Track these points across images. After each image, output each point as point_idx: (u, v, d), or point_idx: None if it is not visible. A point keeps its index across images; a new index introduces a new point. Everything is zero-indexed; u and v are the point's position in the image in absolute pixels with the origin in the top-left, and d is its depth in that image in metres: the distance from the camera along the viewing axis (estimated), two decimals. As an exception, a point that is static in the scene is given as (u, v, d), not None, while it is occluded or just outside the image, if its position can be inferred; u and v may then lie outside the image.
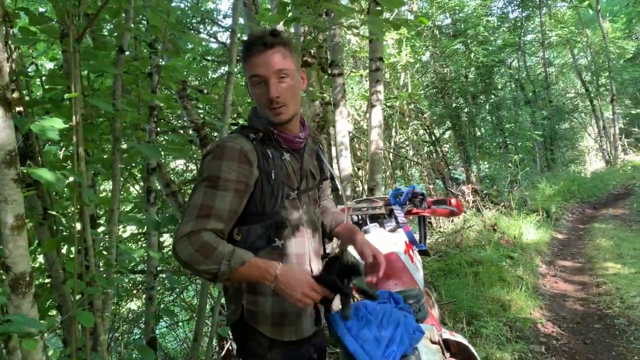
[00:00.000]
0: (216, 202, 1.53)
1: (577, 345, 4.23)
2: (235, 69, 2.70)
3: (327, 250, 1.86)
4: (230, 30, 2.82)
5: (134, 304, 5.88)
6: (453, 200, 2.60)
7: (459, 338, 1.87)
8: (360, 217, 2.75)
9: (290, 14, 3.70)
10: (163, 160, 5.16)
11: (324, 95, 4.74)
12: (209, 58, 6.74)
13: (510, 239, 7.40)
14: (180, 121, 5.73)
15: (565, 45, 18.35)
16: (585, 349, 4.16)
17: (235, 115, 4.67)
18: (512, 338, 4.21)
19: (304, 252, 1.72)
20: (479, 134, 11.77)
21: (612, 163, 17.88)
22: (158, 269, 2.85)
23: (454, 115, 10.88)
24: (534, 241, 7.63)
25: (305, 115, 4.39)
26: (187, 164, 6.92)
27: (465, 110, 11.34)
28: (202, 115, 5.18)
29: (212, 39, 6.51)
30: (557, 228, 9.03)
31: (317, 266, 1.78)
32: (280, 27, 4.04)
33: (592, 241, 8.04)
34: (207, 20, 6.44)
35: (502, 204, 8.96)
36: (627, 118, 22.23)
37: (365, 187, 6.66)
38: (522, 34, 14.94)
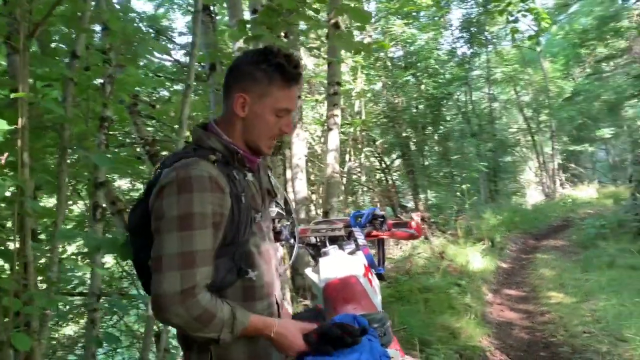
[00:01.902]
0: (197, 245, 1.32)
1: (525, 373, 4.28)
2: (194, 83, 2.62)
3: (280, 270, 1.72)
4: (191, 44, 2.73)
5: (70, 329, 5.51)
6: (414, 223, 2.57)
7: (423, 365, 1.81)
8: (318, 239, 2.67)
9: (249, 33, 3.67)
10: (108, 178, 4.94)
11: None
12: (160, 75, 6.58)
13: (457, 266, 7.50)
14: (128, 138, 5.52)
15: (509, 82, 19.21)
16: (533, 377, 4.20)
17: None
18: (462, 365, 4.22)
19: (271, 281, 1.58)
20: (427, 163, 12.01)
21: (551, 196, 18.66)
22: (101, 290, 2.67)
23: (403, 145, 11.09)
24: (480, 269, 7.77)
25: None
26: (133, 183, 6.66)
27: (415, 140, 11.59)
28: (153, 132, 5.02)
29: (166, 56, 6.39)
30: (502, 257, 9.26)
31: (280, 293, 1.66)
32: (240, 44, 3.98)
33: (535, 271, 8.28)
34: (161, 36, 6.31)
35: (449, 232, 9.12)
36: (565, 154, 23.34)
37: (320, 211, 6.61)
38: (470, 69, 15.54)
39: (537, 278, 7.77)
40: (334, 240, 2.68)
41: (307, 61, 6.78)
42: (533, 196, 20.70)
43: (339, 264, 2.43)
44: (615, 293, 6.07)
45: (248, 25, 3.59)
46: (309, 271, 2.53)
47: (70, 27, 2.08)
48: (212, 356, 1.45)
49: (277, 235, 1.98)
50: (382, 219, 2.53)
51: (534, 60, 20.23)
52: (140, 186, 6.39)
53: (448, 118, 11.87)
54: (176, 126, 5.84)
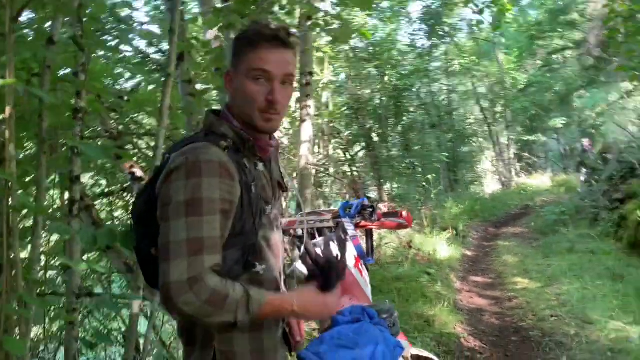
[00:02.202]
0: (205, 231, 1.26)
1: (500, 358, 4.36)
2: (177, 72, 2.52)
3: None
4: (170, 31, 2.62)
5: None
6: (404, 213, 2.56)
7: (429, 354, 1.80)
8: (306, 231, 2.63)
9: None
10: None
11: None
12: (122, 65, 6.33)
13: (425, 255, 7.60)
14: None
15: (466, 74, 19.57)
16: (507, 361, 4.30)
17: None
18: (440, 353, 4.26)
19: (280, 276, 1.52)
20: (390, 154, 12.12)
21: (508, 185, 19.21)
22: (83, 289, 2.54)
23: (367, 136, 11.14)
24: (446, 258, 7.90)
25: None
26: (96, 178, 6.41)
27: (378, 131, 11.67)
28: (127, 123, 4.83)
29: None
30: (466, 245, 9.45)
31: (282, 285, 1.58)
32: (214, 32, 3.87)
33: (499, 258, 8.49)
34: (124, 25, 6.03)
35: (415, 222, 9.22)
36: (519, 144, 24.04)
37: (293, 203, 6.56)
38: (429, 61, 15.74)
39: (501, 265, 7.97)
40: (321, 231, 2.65)
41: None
42: (490, 185, 21.24)
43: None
44: (577, 277, 6.28)
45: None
46: (298, 264, 2.48)
47: (59, 11, 1.94)
48: (215, 352, 1.38)
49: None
50: (371, 209, 2.51)
51: (490, 52, 20.69)
52: (104, 181, 6.16)
53: (411, 109, 12.00)
54: (138, 115, 5.64)
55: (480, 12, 5.97)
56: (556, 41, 17.38)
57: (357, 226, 2.61)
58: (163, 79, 2.60)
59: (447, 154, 13.24)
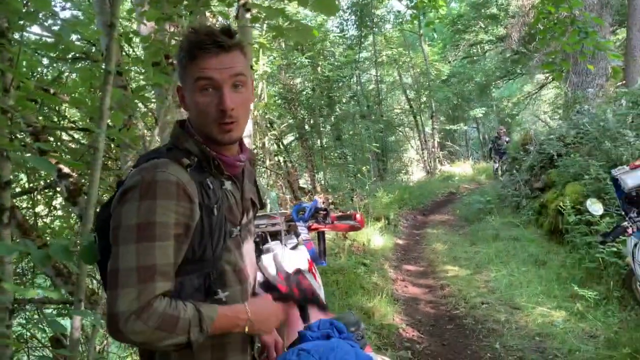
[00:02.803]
0: (157, 258, 1.18)
1: (438, 347, 4.51)
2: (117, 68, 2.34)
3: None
4: (110, 25, 2.44)
5: None
6: (358, 215, 2.57)
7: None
8: (257, 235, 2.57)
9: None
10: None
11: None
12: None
13: (360, 245, 7.72)
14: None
15: (392, 64, 19.98)
16: (445, 350, 4.45)
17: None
18: (381, 346, 4.34)
19: (247, 298, 1.43)
20: (323, 144, 12.18)
21: (432, 173, 19.87)
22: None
23: (300, 126, 11.12)
24: (380, 247, 8.07)
25: (170, 122, 4.03)
26: (15, 173, 5.96)
27: (311, 121, 11.67)
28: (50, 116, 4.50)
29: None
30: (397, 234, 9.69)
31: None
32: (150, 25, 3.67)
33: (428, 246, 8.77)
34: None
35: (349, 211, 9.33)
36: (442, 133, 24.94)
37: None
38: (359, 52, 15.91)
39: (432, 253, 8.24)
40: (273, 235, 2.60)
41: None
42: (416, 173, 21.89)
43: (283, 260, 2.36)
44: (503, 264, 6.61)
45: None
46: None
47: None
48: None
49: None
50: (325, 212, 2.50)
51: (415, 44, 21.24)
52: (23, 177, 5.73)
53: (344, 100, 12.09)
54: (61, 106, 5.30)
55: (415, 6, 6.06)
56: (481, 35, 18.06)
57: (309, 229, 2.59)
58: (91, 70, 2.41)
59: (378, 144, 13.50)
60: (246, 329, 1.32)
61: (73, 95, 3.99)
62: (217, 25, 1.42)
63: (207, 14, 4.73)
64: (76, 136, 5.39)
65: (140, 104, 4.14)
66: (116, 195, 1.28)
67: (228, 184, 1.39)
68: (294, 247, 2.51)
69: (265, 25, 4.12)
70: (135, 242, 1.18)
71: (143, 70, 3.35)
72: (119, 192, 1.26)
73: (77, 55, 6.11)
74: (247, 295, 1.45)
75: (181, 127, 1.39)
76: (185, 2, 3.49)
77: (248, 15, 4.61)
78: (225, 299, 1.35)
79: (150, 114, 4.70)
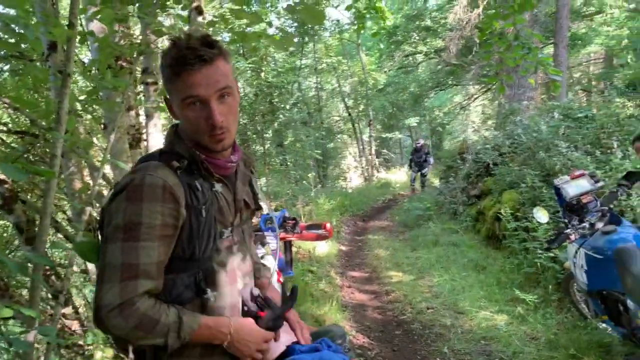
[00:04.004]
0: (141, 257, 1.25)
1: (388, 353, 4.57)
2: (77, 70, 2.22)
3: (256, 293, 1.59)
4: (68, 25, 2.33)
5: None
6: (328, 225, 2.56)
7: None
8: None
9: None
10: None
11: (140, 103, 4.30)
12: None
13: (306, 253, 7.72)
14: None
15: (332, 72, 20.21)
16: (396, 356, 4.52)
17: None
18: (334, 353, 4.34)
19: (238, 301, 1.48)
20: (266, 150, 12.11)
21: (370, 180, 20.24)
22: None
23: (242, 132, 11.00)
24: (325, 254, 8.11)
25: (120, 126, 3.88)
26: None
27: (252, 128, 11.58)
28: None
29: None
30: (340, 240, 9.78)
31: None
32: (98, 27, 3.53)
33: (371, 252, 8.91)
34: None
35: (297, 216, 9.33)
36: (378, 140, 25.50)
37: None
38: (301, 59, 15.98)
39: (375, 259, 8.37)
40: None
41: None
42: (354, 180, 22.21)
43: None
44: (445, 269, 6.82)
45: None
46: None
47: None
48: None
49: None
50: (293, 222, 2.48)
51: (353, 53, 21.60)
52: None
53: (287, 107, 12.08)
54: None
55: (361, 17, 6.16)
56: (420, 47, 18.62)
57: (277, 238, 2.56)
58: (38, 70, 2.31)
59: (319, 151, 13.57)
60: (225, 344, 1.36)
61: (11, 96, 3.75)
62: (186, 31, 1.44)
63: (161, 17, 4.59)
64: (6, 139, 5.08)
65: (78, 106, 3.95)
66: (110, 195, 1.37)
67: (218, 186, 1.43)
68: (261, 258, 2.48)
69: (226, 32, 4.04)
70: (122, 240, 1.25)
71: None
72: (112, 193, 1.34)
73: (11, 53, 5.76)
74: (235, 297, 1.48)
75: (174, 132, 1.44)
76: (138, 4, 3.39)
77: (200, 19, 4.53)
78: (214, 299, 1.40)
79: (93, 117, 4.51)
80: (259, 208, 1.68)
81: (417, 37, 17.99)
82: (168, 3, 3.48)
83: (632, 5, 15.44)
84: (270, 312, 1.46)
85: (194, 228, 1.34)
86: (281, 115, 11.32)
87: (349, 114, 21.59)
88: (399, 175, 21.48)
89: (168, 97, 1.40)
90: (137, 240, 1.25)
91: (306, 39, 16.53)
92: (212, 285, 1.40)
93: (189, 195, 1.33)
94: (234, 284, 1.47)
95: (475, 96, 19.72)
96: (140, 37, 4.13)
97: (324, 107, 20.46)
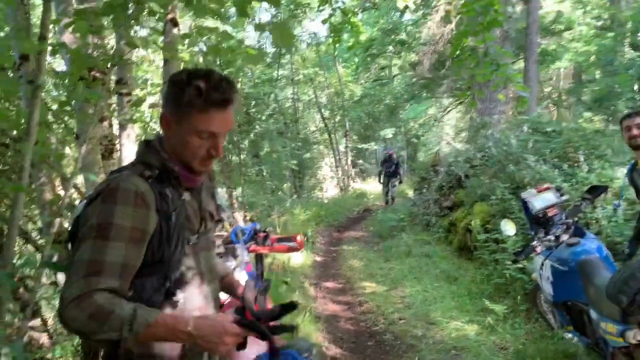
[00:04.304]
0: (107, 256, 1.31)
1: (360, 364, 4.61)
2: (50, 81, 2.21)
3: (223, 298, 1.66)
4: (39, 37, 2.35)
5: None
6: (299, 237, 2.60)
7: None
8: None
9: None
10: None
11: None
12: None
13: (280, 264, 7.72)
14: None
15: (309, 83, 20.34)
16: (368, 366, 4.56)
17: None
18: (306, 365, 4.36)
19: (205, 304, 1.55)
20: (242, 160, 12.09)
21: (345, 190, 20.34)
22: None
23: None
24: (300, 265, 8.12)
25: (93, 137, 3.86)
26: None
27: (230, 138, 11.55)
28: None
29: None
30: (315, 251, 9.80)
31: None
32: (70, 38, 3.53)
33: (345, 262, 8.95)
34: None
35: (268, 228, 9.31)
36: (354, 151, 25.68)
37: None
38: (277, 70, 16.04)
39: (349, 269, 8.41)
40: (211, 258, 2.57)
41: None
42: (330, 190, 22.28)
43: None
44: (417, 280, 6.90)
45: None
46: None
47: None
48: None
49: None
50: (265, 234, 2.51)
51: (330, 64, 21.78)
52: None
53: (263, 117, 12.10)
54: None
55: (336, 30, 6.25)
56: (395, 60, 18.89)
57: (247, 251, 2.58)
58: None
59: (295, 162, 13.62)
60: (188, 343, 1.39)
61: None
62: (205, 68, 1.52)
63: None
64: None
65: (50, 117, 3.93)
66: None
67: (186, 195, 1.53)
68: (233, 270, 2.49)
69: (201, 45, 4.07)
70: (93, 239, 1.32)
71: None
72: (87, 200, 1.43)
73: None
74: (203, 301, 1.55)
75: (146, 146, 1.54)
76: (111, 15, 3.39)
77: (175, 31, 4.55)
78: (183, 300, 1.47)
79: (66, 128, 4.47)
80: (221, 220, 1.78)
81: (393, 51, 18.26)
82: (142, 15, 3.49)
83: (600, 23, 15.97)
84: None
85: (164, 232, 1.42)
86: (257, 126, 11.34)
87: (326, 125, 21.73)
88: (375, 186, 21.61)
89: (169, 115, 1.48)
90: (106, 240, 1.31)
91: (283, 50, 16.60)
92: (181, 288, 1.47)
93: (159, 202, 1.42)
94: (202, 287, 1.54)
95: (449, 109, 20.04)
96: (114, 48, 4.12)
97: (300, 117, 20.55)
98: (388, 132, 24.22)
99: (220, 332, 1.35)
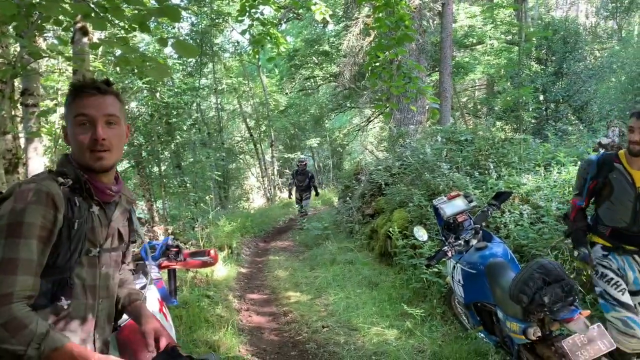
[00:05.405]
0: (21, 253, 1.35)
1: (283, 374, 4.60)
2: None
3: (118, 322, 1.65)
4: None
5: None
6: (212, 252, 2.56)
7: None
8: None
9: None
10: None
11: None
12: None
13: (203, 277, 7.56)
14: None
15: (233, 93, 20.18)
16: (290, 377, 4.55)
17: None
18: (228, 380, 4.30)
19: (92, 317, 1.56)
20: (162, 172, 11.77)
21: (272, 200, 20.29)
22: None
23: (137, 153, 10.61)
24: (224, 277, 7.99)
25: (-7, 151, 3.64)
26: None
27: (148, 148, 11.22)
28: None
29: None
30: (240, 263, 9.69)
31: (103, 336, 1.63)
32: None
33: (271, 273, 8.91)
34: None
35: (190, 242, 9.12)
36: (281, 161, 25.72)
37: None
38: (199, 79, 15.77)
39: (274, 280, 8.38)
40: (120, 275, 2.48)
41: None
42: (256, 200, 22.14)
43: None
44: (341, 287, 6.99)
45: None
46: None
47: None
48: None
49: None
50: (177, 249, 2.46)
51: (254, 74, 21.74)
52: None
53: (185, 127, 11.84)
54: None
55: (258, 41, 6.26)
56: (317, 71, 19.14)
57: (159, 267, 2.52)
58: None
59: (219, 172, 13.42)
60: None
61: None
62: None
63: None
64: None
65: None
66: None
67: (96, 208, 1.57)
68: (143, 287, 2.42)
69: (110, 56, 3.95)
70: (5, 238, 1.36)
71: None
72: (0, 198, 1.47)
73: None
74: (93, 314, 1.57)
75: (64, 157, 1.60)
76: (14, 23, 3.23)
77: (85, 40, 4.39)
78: (68, 307, 1.48)
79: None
80: (133, 242, 1.82)
81: (316, 62, 18.52)
82: (46, 24, 3.35)
83: (509, 37, 17.02)
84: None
85: (63, 237, 1.45)
86: (179, 136, 11.09)
87: (251, 135, 21.62)
88: (301, 195, 21.69)
89: (65, 124, 1.59)
90: (19, 237, 1.35)
91: (205, 59, 16.38)
92: (68, 296, 1.49)
93: (67, 207, 1.47)
94: (90, 299, 1.55)
95: (371, 119, 20.55)
96: (16, 57, 3.91)
97: (224, 127, 20.31)
98: (313, 142, 24.47)
99: None
